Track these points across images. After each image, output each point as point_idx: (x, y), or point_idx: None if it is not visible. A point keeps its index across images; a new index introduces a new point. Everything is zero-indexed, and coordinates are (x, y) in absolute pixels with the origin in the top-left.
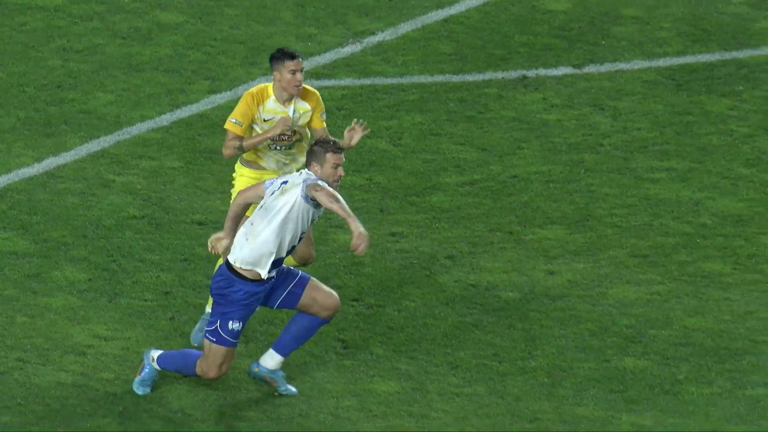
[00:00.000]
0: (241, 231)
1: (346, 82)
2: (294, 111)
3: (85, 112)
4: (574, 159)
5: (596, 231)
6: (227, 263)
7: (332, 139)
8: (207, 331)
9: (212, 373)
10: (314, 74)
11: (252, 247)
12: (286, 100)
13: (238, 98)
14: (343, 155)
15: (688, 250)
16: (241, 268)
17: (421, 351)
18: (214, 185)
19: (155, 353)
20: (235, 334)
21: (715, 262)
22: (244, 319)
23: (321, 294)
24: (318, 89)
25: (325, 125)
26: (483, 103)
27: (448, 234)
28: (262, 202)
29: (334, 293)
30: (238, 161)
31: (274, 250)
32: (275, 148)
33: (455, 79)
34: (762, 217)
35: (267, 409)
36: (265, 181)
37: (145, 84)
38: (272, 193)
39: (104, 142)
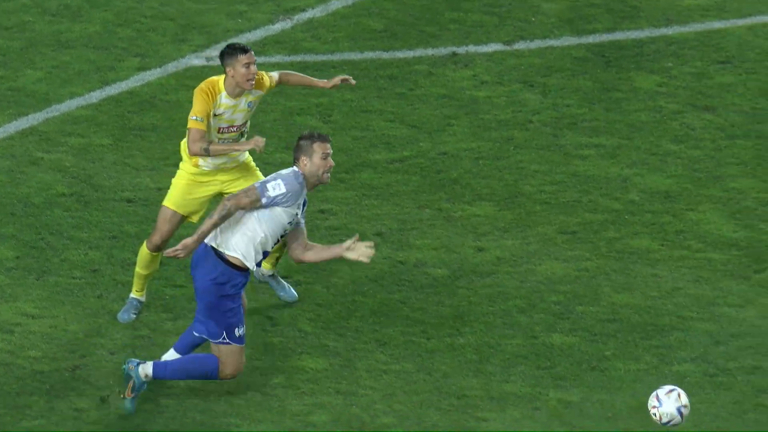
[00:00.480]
0: (230, 220)
1: (277, 59)
2: (246, 102)
3: (14, 89)
4: (504, 136)
5: (525, 208)
6: (216, 252)
7: (316, 131)
8: (217, 340)
9: (234, 370)
10: None
11: (241, 238)
12: (238, 94)
13: (168, 75)
14: (330, 144)
15: (617, 227)
16: (231, 256)
17: (350, 328)
18: (144, 162)
19: (147, 369)
20: (242, 338)
21: (643, 238)
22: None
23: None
24: None
25: None
26: (413, 80)
27: (377, 211)
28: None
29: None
30: (182, 154)
31: (261, 244)
32: (223, 142)
33: (385, 56)
34: (690, 193)
35: (194, 387)
36: (256, 184)
37: (75, 61)
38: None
39: (33, 119)
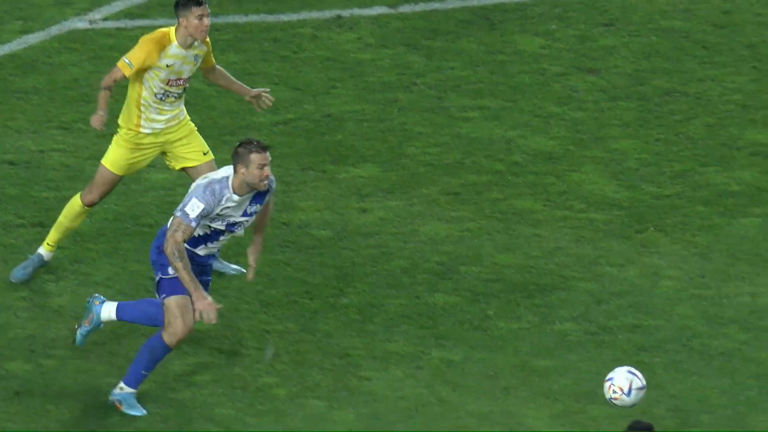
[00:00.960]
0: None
1: (161, 21)
2: (194, 55)
3: None
4: (388, 98)
5: (409, 169)
6: None
7: (256, 139)
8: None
9: (181, 328)
10: (128, 14)
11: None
12: (189, 45)
13: (51, 38)
14: (268, 154)
15: (500, 188)
16: None
17: (233, 289)
18: (26, 125)
19: (121, 384)
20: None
21: (526, 199)
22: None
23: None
24: (133, 30)
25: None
26: (297, 43)
27: None
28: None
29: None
30: (120, 120)
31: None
32: (165, 97)
33: (270, 18)
34: (572, 154)
35: (76, 348)
36: (177, 215)
37: None
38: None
39: None
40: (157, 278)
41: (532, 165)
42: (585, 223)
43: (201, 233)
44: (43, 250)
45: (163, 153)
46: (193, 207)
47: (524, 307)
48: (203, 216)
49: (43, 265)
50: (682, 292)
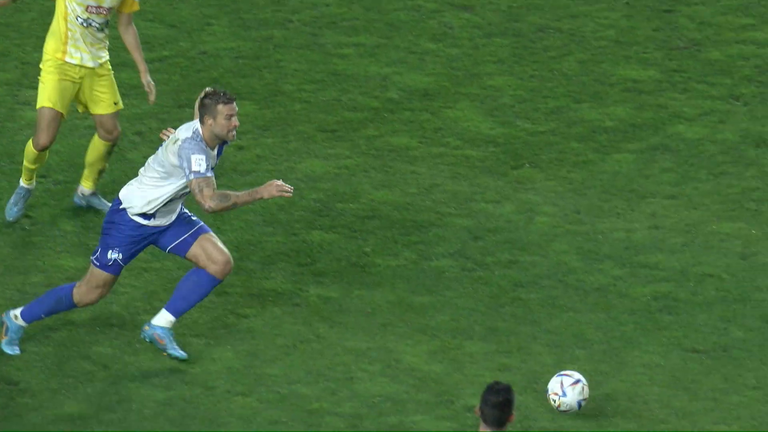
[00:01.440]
0: (134, 180)
1: None
2: None
3: None
4: (264, 35)
5: (285, 106)
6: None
7: (222, 90)
8: (92, 256)
9: (91, 296)
10: None
11: (142, 194)
12: None
13: None
14: (234, 104)
15: (376, 125)
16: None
17: None
18: None
19: (15, 311)
20: (115, 265)
21: (402, 136)
22: (126, 252)
23: (211, 247)
24: None
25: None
26: None
27: (137, 110)
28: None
29: (226, 251)
30: (45, 50)
31: (161, 197)
32: (88, 25)
33: None
34: (447, 91)
35: None
36: (193, 174)
37: None
38: (164, 146)
39: None
40: (96, 254)
41: (408, 102)
42: (461, 159)
43: (171, 199)
44: (25, 184)
45: (78, 92)
46: (198, 161)
47: (401, 244)
48: (209, 167)
49: (29, 193)
50: (558, 228)
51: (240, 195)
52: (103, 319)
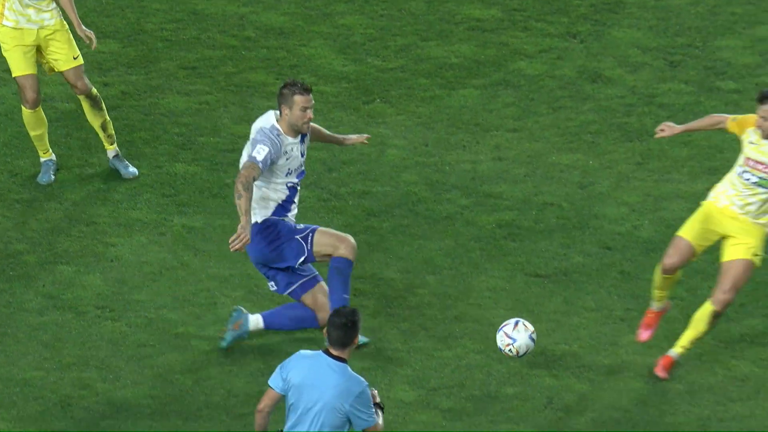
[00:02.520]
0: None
1: None
2: None
3: None
4: None
5: (148, 44)
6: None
7: (300, 81)
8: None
9: (324, 314)
10: None
11: (257, 204)
12: None
13: None
14: (311, 96)
15: (234, 62)
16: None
17: None
18: None
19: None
20: (292, 278)
21: (259, 72)
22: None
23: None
24: None
25: None
26: None
27: None
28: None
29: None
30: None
31: (274, 199)
32: None
33: None
34: (302, 29)
35: None
36: (251, 158)
37: None
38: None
39: None
40: (278, 285)
41: (264, 40)
42: (315, 95)
43: (284, 196)
44: (44, 158)
45: (39, 54)
46: (260, 151)
47: None
48: (270, 160)
49: (53, 164)
50: (407, 160)
51: (244, 205)
52: None
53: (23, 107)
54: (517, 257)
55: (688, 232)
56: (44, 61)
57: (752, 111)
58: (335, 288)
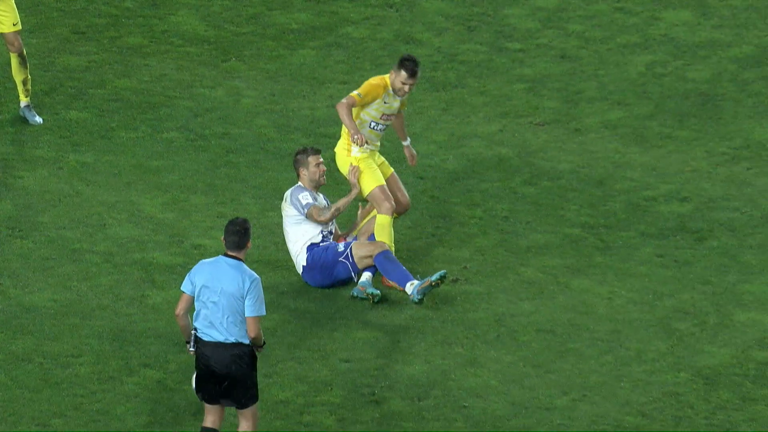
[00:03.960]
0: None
1: None
2: None
3: None
4: None
5: (45, 14)
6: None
7: (309, 146)
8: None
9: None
10: None
11: (297, 245)
12: None
13: None
14: (319, 156)
15: (116, 28)
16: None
17: None
18: None
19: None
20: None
21: (137, 36)
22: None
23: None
24: None
25: None
26: None
27: None
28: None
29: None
30: None
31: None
32: None
33: None
34: (171, 1)
35: None
36: (305, 205)
37: None
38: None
39: None
40: (352, 273)
41: (140, 10)
42: (183, 55)
43: (317, 232)
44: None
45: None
46: (305, 197)
47: (139, 120)
48: (314, 199)
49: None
50: (259, 107)
51: (339, 202)
52: None
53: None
54: (346, 186)
55: (380, 179)
56: None
57: (534, 67)
58: (392, 270)
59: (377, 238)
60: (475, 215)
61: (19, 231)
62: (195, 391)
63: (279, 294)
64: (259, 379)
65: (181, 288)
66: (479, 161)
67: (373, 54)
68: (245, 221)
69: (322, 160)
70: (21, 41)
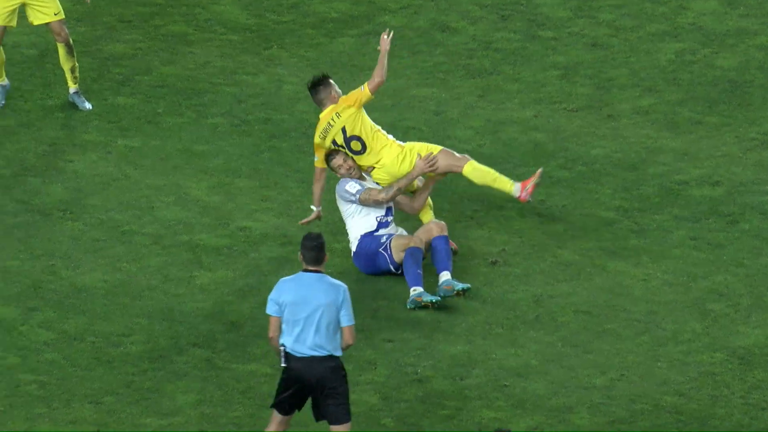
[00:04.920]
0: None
1: None
2: None
3: None
4: None
5: (93, 3)
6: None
7: (329, 150)
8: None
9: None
10: None
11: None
12: None
13: None
14: (337, 156)
15: (161, 16)
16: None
17: None
18: None
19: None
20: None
21: (181, 24)
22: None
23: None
24: None
25: None
26: None
27: None
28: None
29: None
30: None
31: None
32: None
33: None
34: None
35: None
36: (362, 189)
37: None
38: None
39: None
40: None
41: None
42: (226, 43)
43: (374, 229)
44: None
45: (24, 6)
46: (351, 186)
47: (185, 106)
48: (358, 191)
49: (5, 88)
50: (300, 93)
51: (400, 181)
52: None
53: None
54: None
55: (436, 147)
56: (29, 16)
57: (567, 54)
58: (409, 268)
59: (482, 182)
60: (512, 199)
61: (70, 213)
62: (273, 403)
63: None
64: None
65: (267, 312)
66: (515, 146)
67: (409, 42)
68: (320, 235)
69: (344, 157)
70: (66, 31)
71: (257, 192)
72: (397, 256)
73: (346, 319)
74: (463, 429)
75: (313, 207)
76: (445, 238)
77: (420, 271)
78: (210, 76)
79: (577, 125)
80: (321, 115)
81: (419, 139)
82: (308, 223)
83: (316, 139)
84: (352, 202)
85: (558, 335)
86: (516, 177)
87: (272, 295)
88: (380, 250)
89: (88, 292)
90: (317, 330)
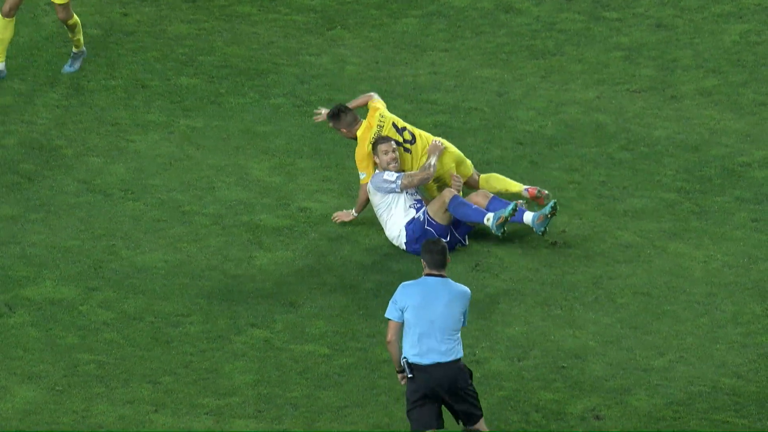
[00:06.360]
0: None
1: None
2: None
3: None
4: None
5: None
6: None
7: (380, 135)
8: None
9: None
10: None
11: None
12: None
13: None
14: (390, 143)
15: None
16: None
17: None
18: None
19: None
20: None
21: (245, 5)
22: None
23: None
24: None
25: None
26: None
27: None
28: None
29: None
30: None
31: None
32: None
33: None
34: None
35: None
36: (396, 179)
37: None
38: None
39: None
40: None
41: None
42: (289, 23)
43: (413, 216)
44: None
45: None
46: (389, 175)
47: (248, 86)
48: (398, 176)
49: (2, 73)
50: (362, 75)
51: (423, 173)
52: (26, 143)
53: None
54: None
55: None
56: None
57: (631, 36)
58: (462, 208)
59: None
60: (573, 180)
61: (132, 193)
62: (410, 418)
63: (382, 256)
64: (362, 339)
65: (387, 316)
66: (577, 127)
67: (473, 23)
68: (440, 239)
69: (392, 147)
70: (70, 12)
71: (318, 172)
72: (441, 219)
73: (465, 321)
74: (520, 410)
75: (354, 212)
76: (495, 198)
77: (475, 206)
78: (273, 56)
79: (640, 106)
80: (360, 132)
81: (480, 120)
82: (340, 220)
83: (365, 150)
84: (392, 190)
85: (617, 317)
86: (577, 158)
87: (394, 300)
88: (426, 227)
89: (147, 272)
90: (442, 334)
